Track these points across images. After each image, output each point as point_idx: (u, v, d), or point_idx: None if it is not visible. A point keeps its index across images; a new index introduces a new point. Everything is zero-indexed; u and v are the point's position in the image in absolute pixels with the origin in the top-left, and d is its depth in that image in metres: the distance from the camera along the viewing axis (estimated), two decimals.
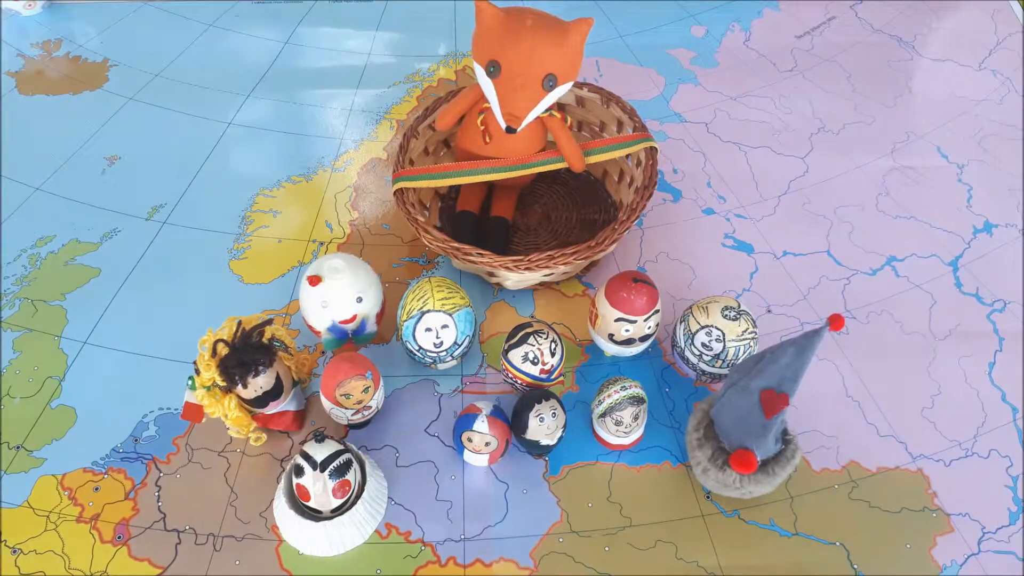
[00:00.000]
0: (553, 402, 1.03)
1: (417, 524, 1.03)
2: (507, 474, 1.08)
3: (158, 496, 1.05)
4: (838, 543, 1.01)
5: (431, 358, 1.13)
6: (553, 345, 1.07)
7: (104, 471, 1.07)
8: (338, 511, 0.97)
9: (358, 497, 0.98)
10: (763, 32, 1.93)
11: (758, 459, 0.93)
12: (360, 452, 1.02)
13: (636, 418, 1.05)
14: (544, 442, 1.04)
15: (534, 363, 1.06)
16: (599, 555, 1.00)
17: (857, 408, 1.15)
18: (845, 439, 1.11)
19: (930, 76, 1.79)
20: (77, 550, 0.99)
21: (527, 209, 1.44)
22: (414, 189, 1.30)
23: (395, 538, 1.01)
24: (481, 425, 1.01)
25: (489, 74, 1.14)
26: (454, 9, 2.02)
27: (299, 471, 0.94)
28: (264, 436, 1.09)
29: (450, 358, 1.14)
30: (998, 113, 1.67)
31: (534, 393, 1.03)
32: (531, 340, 1.06)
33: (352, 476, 0.97)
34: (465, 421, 1.03)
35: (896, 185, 1.50)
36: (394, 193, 1.25)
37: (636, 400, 1.04)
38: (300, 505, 0.97)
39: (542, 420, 1.01)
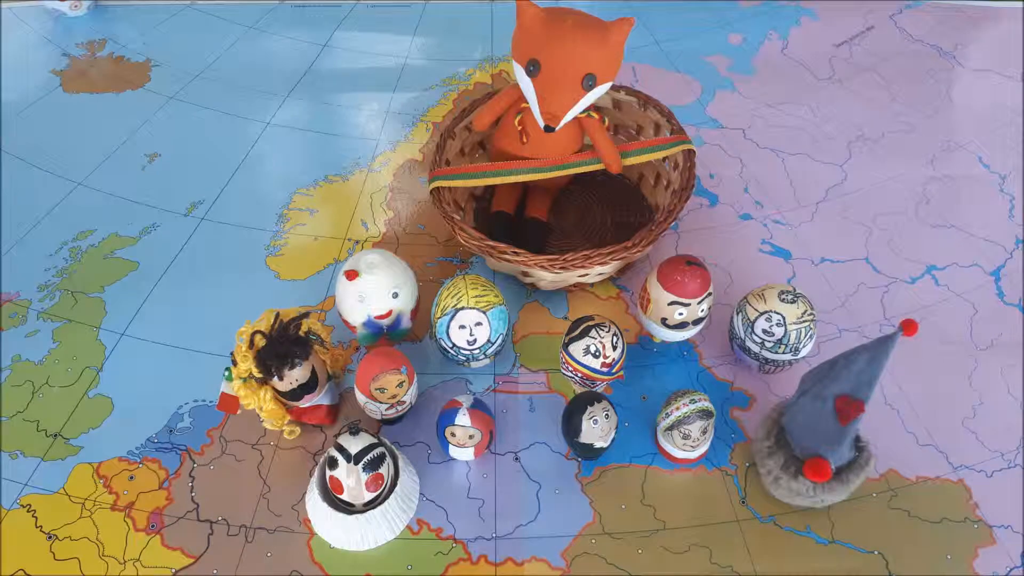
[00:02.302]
0: (605, 403, 1.02)
1: (449, 521, 1.02)
2: (539, 473, 1.07)
3: (191, 486, 1.06)
4: (876, 552, 0.99)
5: (464, 356, 1.12)
6: (615, 339, 1.06)
7: (139, 460, 1.08)
8: (370, 505, 0.96)
9: (391, 492, 0.98)
10: (801, 40, 1.92)
11: (832, 467, 0.92)
12: (393, 447, 1.02)
13: (704, 432, 1.03)
14: (598, 444, 1.02)
15: (596, 356, 1.05)
16: (632, 557, 0.99)
17: (896, 416, 1.13)
18: (883, 447, 1.08)
19: (971, 86, 1.77)
20: (111, 537, 1.00)
21: (562, 211, 1.44)
22: (450, 189, 1.30)
23: (426, 534, 1.01)
24: (463, 418, 1.01)
25: (529, 73, 1.15)
26: (491, 14, 2.03)
27: (333, 463, 0.94)
28: (298, 430, 1.10)
29: (483, 356, 1.14)
30: None
31: (585, 395, 1.02)
32: (593, 333, 1.05)
33: (385, 470, 0.96)
34: (447, 416, 1.02)
35: (936, 194, 1.48)
36: (430, 192, 1.25)
37: (705, 414, 1.02)
38: (333, 498, 0.97)
39: (596, 422, 1.00)
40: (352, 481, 0.94)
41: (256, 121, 1.68)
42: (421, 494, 1.04)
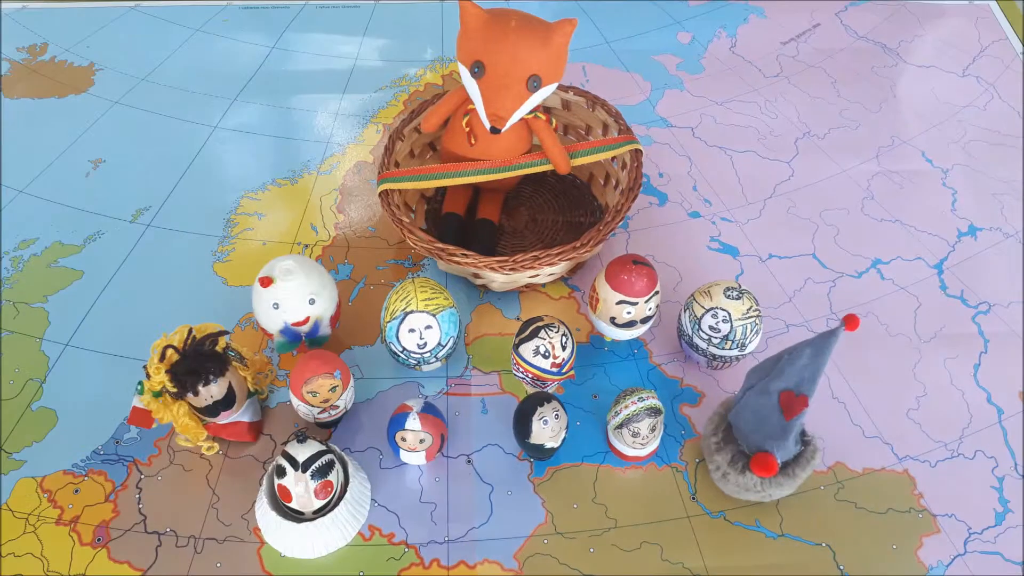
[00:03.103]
0: (555, 403, 1.02)
1: (401, 526, 1.02)
2: (492, 476, 1.07)
3: (139, 498, 1.04)
4: (824, 544, 1.01)
5: (415, 359, 1.12)
6: (564, 339, 1.06)
7: (84, 473, 1.06)
8: (320, 512, 0.96)
9: (341, 498, 0.97)
10: (749, 38, 1.94)
11: (778, 461, 0.93)
12: (343, 453, 1.01)
13: (653, 429, 1.04)
14: (549, 445, 1.03)
15: (545, 357, 1.05)
16: (584, 556, 0.99)
17: (842, 409, 1.15)
18: (830, 440, 1.10)
19: (915, 82, 1.80)
20: (56, 553, 0.98)
21: (513, 212, 1.44)
22: (399, 191, 1.29)
23: (378, 540, 1.01)
24: (413, 423, 1.00)
25: (474, 75, 1.14)
26: (441, 14, 2.02)
27: (281, 472, 0.94)
28: (216, 446, 1.08)
29: (434, 359, 1.13)
30: (982, 119, 1.68)
31: (535, 396, 1.02)
32: (542, 334, 1.06)
33: (335, 477, 0.96)
34: (397, 421, 1.01)
35: (881, 189, 1.51)
36: (379, 195, 1.24)
37: (653, 411, 1.03)
38: (282, 506, 0.96)
39: (546, 423, 1.00)
40: (300, 489, 0.93)
41: (203, 125, 1.65)
42: (372, 500, 1.04)
